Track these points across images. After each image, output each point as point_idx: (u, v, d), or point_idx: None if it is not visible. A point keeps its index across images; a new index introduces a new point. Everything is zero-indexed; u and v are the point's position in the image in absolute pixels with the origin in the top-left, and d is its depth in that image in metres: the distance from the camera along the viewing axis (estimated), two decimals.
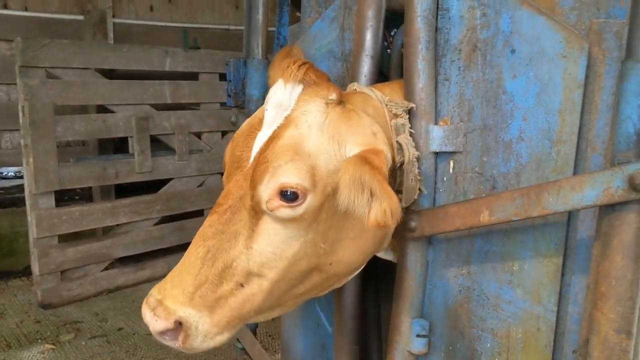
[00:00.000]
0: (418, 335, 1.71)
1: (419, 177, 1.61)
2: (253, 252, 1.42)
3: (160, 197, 5.72)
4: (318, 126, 1.46)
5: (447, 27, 1.65)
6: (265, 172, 1.40)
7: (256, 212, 1.43)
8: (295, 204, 1.38)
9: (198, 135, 6.01)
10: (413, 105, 1.65)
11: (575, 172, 1.40)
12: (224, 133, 6.20)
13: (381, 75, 2.12)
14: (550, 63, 1.42)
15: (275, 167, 1.39)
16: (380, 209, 1.33)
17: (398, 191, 1.62)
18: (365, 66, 1.84)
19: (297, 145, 1.42)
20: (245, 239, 1.42)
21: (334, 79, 2.08)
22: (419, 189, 1.63)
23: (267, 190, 1.39)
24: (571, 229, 1.44)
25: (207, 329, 1.40)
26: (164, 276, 4.79)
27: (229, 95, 2.34)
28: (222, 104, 6.16)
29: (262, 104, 2.28)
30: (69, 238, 5.28)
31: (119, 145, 6.38)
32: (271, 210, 1.39)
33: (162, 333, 1.38)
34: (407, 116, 1.65)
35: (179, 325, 1.38)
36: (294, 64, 1.49)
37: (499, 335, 1.58)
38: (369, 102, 1.65)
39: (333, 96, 1.48)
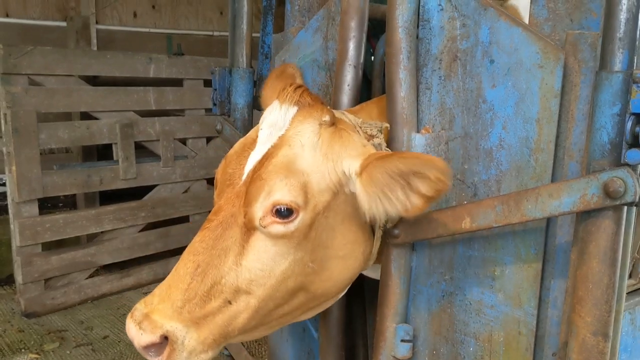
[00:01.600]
0: (402, 340, 1.74)
1: None
2: (242, 269, 1.44)
3: (145, 204, 5.70)
4: (311, 146, 1.50)
5: (428, 37, 1.68)
6: (260, 190, 1.43)
7: (248, 229, 1.45)
8: (288, 220, 1.42)
9: (183, 141, 5.99)
10: (387, 124, 1.69)
11: (553, 179, 1.43)
12: (208, 139, 6.19)
13: (367, 82, 2.16)
14: (528, 73, 1.46)
15: (270, 185, 1.43)
16: (428, 180, 1.36)
17: None
18: (349, 75, 1.87)
19: (291, 164, 1.46)
20: (235, 255, 1.44)
21: (318, 88, 2.11)
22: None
23: (261, 207, 1.42)
24: (550, 235, 1.48)
25: (193, 345, 1.40)
26: (149, 283, 4.79)
27: (215, 104, 2.36)
28: (207, 110, 6.16)
29: (247, 111, 2.32)
30: (52, 246, 5.24)
31: (103, 152, 6.35)
32: (264, 227, 1.42)
33: (147, 347, 1.38)
34: (382, 135, 1.69)
35: (165, 340, 1.38)
36: (290, 86, 1.54)
37: (482, 339, 1.61)
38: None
39: (327, 117, 1.53)
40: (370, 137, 1.69)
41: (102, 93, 5.30)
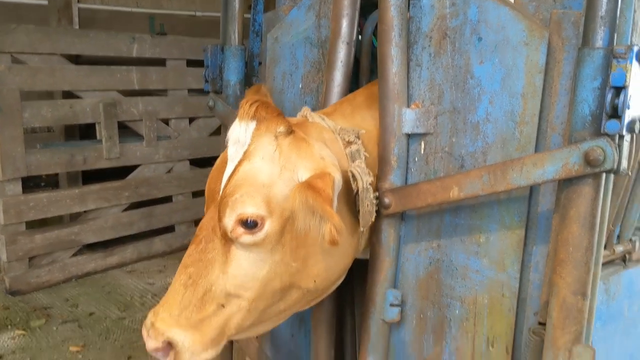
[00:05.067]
0: (391, 305, 1.84)
1: (374, 201, 1.73)
2: (228, 276, 1.56)
3: (128, 184, 5.72)
4: (269, 158, 1.57)
5: (419, 15, 1.75)
6: (226, 205, 1.52)
7: (226, 241, 1.56)
8: (255, 230, 1.51)
9: (166, 121, 6.01)
10: (363, 130, 1.78)
11: (536, 151, 1.52)
12: (191, 120, 6.22)
13: (355, 61, 2.22)
14: (514, 50, 1.54)
15: (233, 201, 1.52)
16: (326, 228, 1.46)
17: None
18: (342, 52, 1.94)
19: (251, 178, 1.54)
20: (220, 264, 1.56)
21: (310, 65, 2.18)
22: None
23: (229, 222, 1.52)
24: (533, 203, 1.57)
25: (193, 346, 1.54)
26: (133, 262, 4.91)
27: (206, 81, 2.41)
28: (190, 91, 6.18)
29: (239, 88, 2.37)
30: (36, 225, 5.25)
31: (85, 132, 6.34)
32: (236, 238, 1.53)
33: (155, 351, 1.54)
34: (360, 141, 1.77)
35: (169, 344, 1.54)
36: (246, 102, 1.60)
37: (467, 302, 1.71)
38: (323, 133, 1.76)
39: (281, 128, 1.58)
40: (349, 143, 1.77)
41: (86, 72, 5.30)
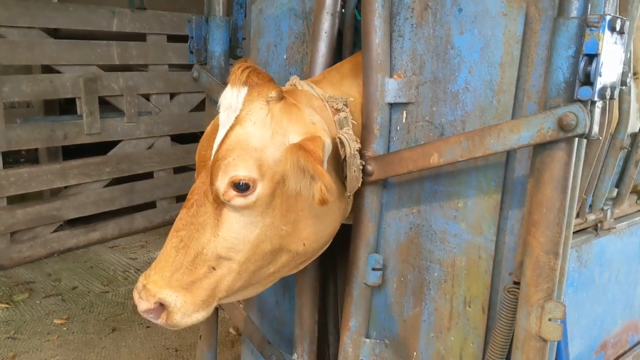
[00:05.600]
0: (373, 269, 1.91)
1: (361, 167, 1.79)
2: (220, 239, 1.60)
3: (109, 159, 5.72)
4: (261, 122, 1.61)
5: None
6: (219, 168, 1.57)
7: (218, 204, 1.60)
8: (247, 193, 1.56)
9: (147, 97, 5.99)
10: (351, 98, 1.84)
11: (513, 119, 1.58)
12: (172, 95, 6.21)
13: (338, 34, 2.26)
14: (493, 21, 1.59)
15: (226, 164, 1.56)
16: (317, 187, 1.50)
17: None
18: (326, 23, 1.98)
19: (243, 142, 1.58)
20: (211, 227, 1.60)
21: (295, 36, 2.21)
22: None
23: (222, 185, 1.56)
24: (509, 169, 1.64)
25: (184, 307, 1.59)
26: (115, 237, 4.96)
27: (191, 52, 2.43)
28: (171, 66, 6.16)
29: (224, 59, 2.40)
30: (17, 200, 5.24)
31: (65, 107, 6.29)
32: (228, 201, 1.57)
33: (147, 312, 1.58)
34: (348, 109, 1.82)
35: (160, 305, 1.58)
36: (238, 69, 1.63)
37: (445, 265, 1.78)
38: (312, 100, 1.80)
39: (273, 94, 1.62)
40: (337, 111, 1.82)
41: (65, 46, 5.26)
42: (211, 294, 1.64)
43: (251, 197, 1.57)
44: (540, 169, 1.46)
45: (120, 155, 5.80)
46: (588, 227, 2.47)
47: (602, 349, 2.91)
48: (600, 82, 1.33)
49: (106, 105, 5.69)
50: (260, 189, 1.57)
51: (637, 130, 2.48)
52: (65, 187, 5.49)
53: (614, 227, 2.55)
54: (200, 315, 1.63)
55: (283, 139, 1.62)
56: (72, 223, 5.63)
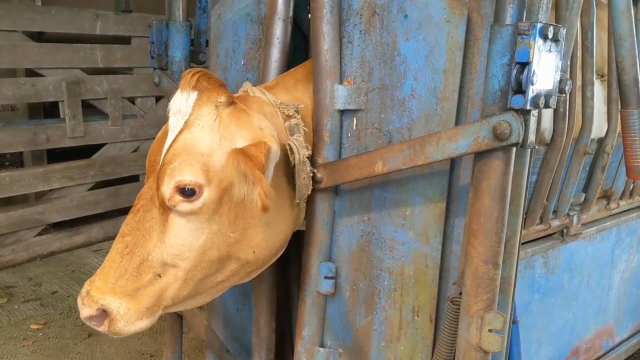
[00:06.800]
0: (326, 277, 1.89)
1: (311, 174, 1.77)
2: (166, 245, 1.58)
3: (94, 163, 5.69)
4: (209, 127, 1.59)
5: None
6: (164, 174, 1.54)
7: (164, 210, 1.58)
8: (193, 198, 1.54)
9: (131, 100, 5.97)
10: (302, 104, 1.82)
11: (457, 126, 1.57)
12: (158, 98, 6.18)
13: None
14: (436, 27, 1.58)
15: (172, 169, 1.54)
16: (256, 192, 1.48)
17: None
18: (278, 29, 1.97)
19: (190, 147, 1.56)
20: (158, 234, 1.58)
21: (252, 41, 2.19)
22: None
23: (167, 189, 1.54)
24: (454, 177, 1.62)
25: (128, 314, 1.56)
26: (99, 241, 4.89)
27: (152, 57, 2.42)
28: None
29: (184, 64, 2.39)
30: (0, 204, 5.22)
31: (50, 111, 6.27)
32: (173, 206, 1.55)
33: (89, 319, 1.56)
34: (299, 115, 1.81)
35: (103, 312, 1.55)
36: (188, 73, 1.62)
37: (395, 274, 1.76)
38: (263, 106, 1.78)
39: (222, 99, 1.60)
40: (288, 117, 1.80)
41: (48, 49, 5.23)
42: (156, 302, 1.61)
43: (197, 203, 1.55)
44: (478, 178, 1.44)
45: (104, 158, 5.78)
46: (554, 233, 2.46)
47: (573, 354, 2.89)
48: (533, 91, 1.31)
49: (91, 109, 5.67)
50: (207, 195, 1.55)
51: (603, 134, 2.47)
52: (49, 190, 5.47)
53: (581, 233, 2.54)
54: (144, 324, 1.61)
55: (230, 144, 1.60)
56: (56, 227, 5.60)
